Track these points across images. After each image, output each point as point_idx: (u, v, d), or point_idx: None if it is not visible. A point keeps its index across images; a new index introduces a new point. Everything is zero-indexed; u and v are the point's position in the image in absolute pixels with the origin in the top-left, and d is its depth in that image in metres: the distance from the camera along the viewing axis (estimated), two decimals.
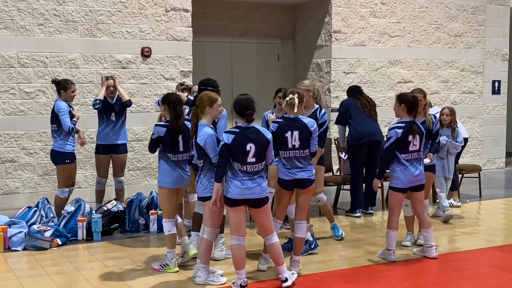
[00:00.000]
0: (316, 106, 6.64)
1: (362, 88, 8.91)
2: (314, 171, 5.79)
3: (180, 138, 5.80)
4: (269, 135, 5.29)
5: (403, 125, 6.10)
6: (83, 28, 9.12)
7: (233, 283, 5.40)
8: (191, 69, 9.88)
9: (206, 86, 6.33)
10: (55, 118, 7.39)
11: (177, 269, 5.83)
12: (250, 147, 5.14)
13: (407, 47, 11.75)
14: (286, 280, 5.35)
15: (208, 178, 5.36)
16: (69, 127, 7.31)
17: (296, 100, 5.66)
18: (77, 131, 7.63)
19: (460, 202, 9.02)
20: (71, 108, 7.51)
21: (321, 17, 11.19)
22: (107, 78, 7.99)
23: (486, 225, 8.07)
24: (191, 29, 9.86)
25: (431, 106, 7.50)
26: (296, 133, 5.63)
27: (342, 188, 8.97)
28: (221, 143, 5.19)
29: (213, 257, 6.21)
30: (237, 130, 5.20)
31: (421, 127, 6.24)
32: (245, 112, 5.20)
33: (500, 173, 12.47)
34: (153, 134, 5.81)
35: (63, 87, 7.49)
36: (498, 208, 9.16)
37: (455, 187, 8.99)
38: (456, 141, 8.14)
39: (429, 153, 6.74)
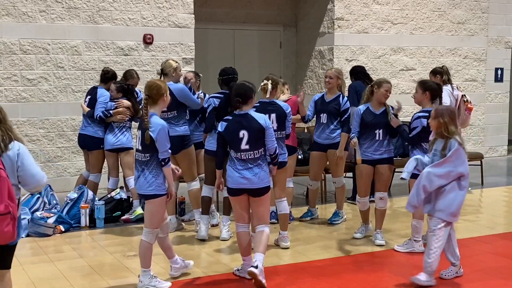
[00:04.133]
0: (338, 92, 7.10)
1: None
2: (287, 153, 6.32)
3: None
4: (264, 122, 5.14)
5: (427, 114, 5.93)
6: (85, 14, 9.10)
7: (237, 269, 5.43)
8: (193, 56, 9.86)
9: (234, 74, 6.63)
10: (94, 103, 7.44)
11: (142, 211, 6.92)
12: (243, 134, 5.07)
13: (410, 34, 11.70)
14: (256, 267, 5.00)
15: (154, 174, 4.96)
16: (97, 115, 7.34)
17: (269, 86, 6.10)
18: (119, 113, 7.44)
19: None
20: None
21: (324, 3, 11.14)
22: (129, 74, 7.84)
23: (488, 212, 8.09)
24: (193, 16, 9.82)
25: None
26: (273, 115, 6.08)
27: (345, 175, 8.96)
28: (217, 131, 5.25)
29: (222, 237, 6.49)
30: (231, 118, 5.19)
31: None
32: (234, 99, 5.18)
33: (503, 161, 12.47)
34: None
35: (115, 77, 7.66)
36: (500, 196, 9.18)
37: None
38: None
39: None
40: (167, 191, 5.01)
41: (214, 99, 6.52)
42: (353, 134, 6.45)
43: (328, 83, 7.10)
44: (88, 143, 7.59)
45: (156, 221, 5.03)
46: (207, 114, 6.61)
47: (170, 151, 5.02)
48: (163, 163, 4.94)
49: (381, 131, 6.27)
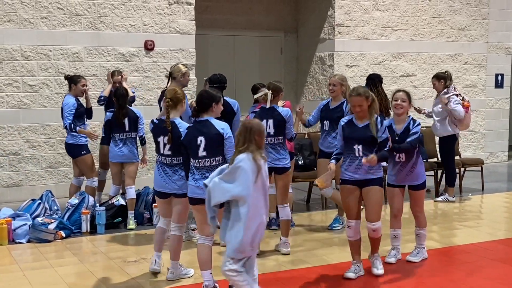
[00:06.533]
0: (343, 99, 7.03)
1: (381, 79, 8.70)
2: (289, 159, 6.34)
3: (126, 120, 7.29)
4: (223, 130, 4.96)
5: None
6: (87, 21, 9.13)
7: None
8: (194, 63, 9.89)
9: (220, 83, 6.67)
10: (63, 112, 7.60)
11: (132, 226, 7.33)
12: (201, 140, 4.94)
13: (410, 41, 11.73)
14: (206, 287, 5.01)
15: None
16: (66, 124, 7.44)
17: (269, 97, 6.25)
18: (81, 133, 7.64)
19: (454, 198, 9.00)
20: (80, 104, 7.68)
21: (324, 10, 11.18)
22: (113, 74, 8.07)
23: (488, 218, 8.09)
24: (194, 22, 9.86)
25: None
26: (270, 121, 6.21)
27: None
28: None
29: (222, 243, 6.36)
30: (191, 125, 5.13)
31: None
32: (193, 106, 5.18)
33: (503, 167, 12.47)
34: (105, 118, 7.48)
35: (73, 81, 7.69)
36: (500, 202, 9.18)
37: (452, 182, 8.99)
38: None
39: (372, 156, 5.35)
40: None
41: None
42: (336, 150, 5.66)
43: (332, 91, 7.07)
44: (70, 151, 7.72)
45: (186, 215, 5.50)
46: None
47: None
48: None
49: (360, 146, 5.44)
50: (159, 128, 5.33)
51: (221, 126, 5.02)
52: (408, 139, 5.80)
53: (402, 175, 5.90)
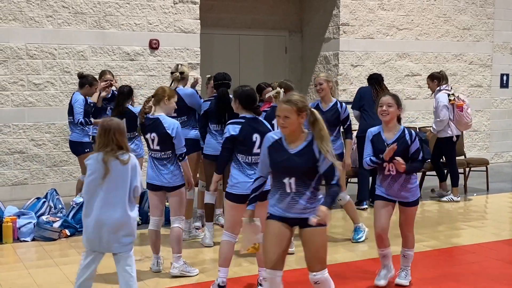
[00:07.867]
0: (334, 99, 6.92)
1: (382, 77, 8.71)
2: None
3: (123, 121, 6.90)
4: (271, 128, 5.20)
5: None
6: (92, 20, 9.14)
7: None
8: (199, 62, 9.89)
9: (224, 80, 6.71)
10: (72, 109, 7.57)
11: None
12: (256, 137, 5.00)
13: (415, 40, 11.71)
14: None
15: (177, 167, 5.54)
16: (79, 120, 7.43)
17: (281, 95, 6.05)
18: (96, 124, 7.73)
19: (459, 198, 8.98)
20: (86, 103, 7.65)
21: (329, 9, 11.17)
22: (104, 73, 8.07)
23: (493, 218, 8.08)
24: (199, 21, 9.86)
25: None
26: None
27: (349, 181, 8.98)
28: (225, 135, 5.10)
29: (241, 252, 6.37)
30: (243, 121, 5.07)
31: None
32: (255, 105, 5.15)
33: (508, 167, 12.43)
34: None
35: (89, 82, 7.67)
36: (505, 202, 9.16)
37: (456, 183, 8.98)
38: None
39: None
40: (187, 182, 5.64)
41: (207, 102, 6.74)
42: (257, 181, 4.38)
43: (320, 90, 6.78)
44: (74, 149, 7.72)
45: (184, 208, 5.64)
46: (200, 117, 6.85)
47: (185, 148, 5.53)
48: (180, 158, 5.53)
49: (292, 180, 4.06)
50: (145, 125, 5.60)
51: (269, 125, 5.19)
52: (419, 156, 5.24)
53: (393, 190, 5.23)
